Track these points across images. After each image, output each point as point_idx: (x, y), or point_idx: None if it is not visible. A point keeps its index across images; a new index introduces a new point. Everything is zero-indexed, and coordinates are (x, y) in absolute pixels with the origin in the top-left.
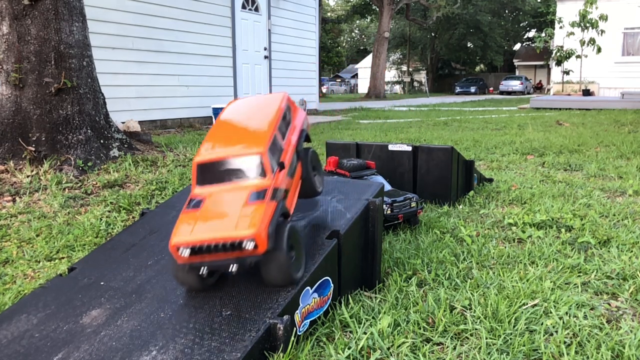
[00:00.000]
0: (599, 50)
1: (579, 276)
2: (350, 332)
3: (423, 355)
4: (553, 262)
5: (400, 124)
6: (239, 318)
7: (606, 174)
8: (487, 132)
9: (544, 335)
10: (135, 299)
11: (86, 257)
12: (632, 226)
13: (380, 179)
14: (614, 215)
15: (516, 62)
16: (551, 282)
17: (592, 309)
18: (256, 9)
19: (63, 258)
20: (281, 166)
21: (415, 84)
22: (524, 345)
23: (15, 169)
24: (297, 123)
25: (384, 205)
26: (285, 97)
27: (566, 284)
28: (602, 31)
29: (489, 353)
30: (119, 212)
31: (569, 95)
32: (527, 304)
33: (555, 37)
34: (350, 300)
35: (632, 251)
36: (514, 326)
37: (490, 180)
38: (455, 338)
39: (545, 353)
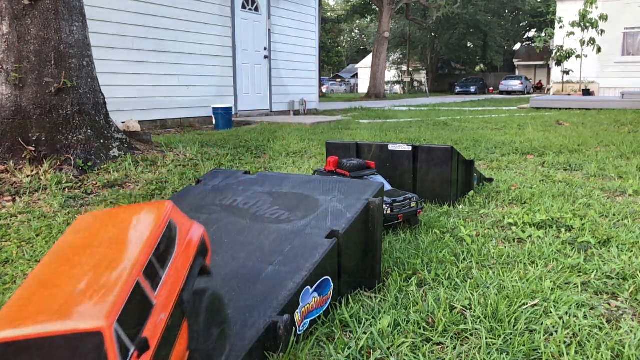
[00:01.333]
0: (599, 50)
1: (578, 276)
2: (350, 331)
3: (423, 355)
4: (553, 262)
5: (400, 124)
6: (239, 318)
7: (606, 174)
8: (487, 132)
9: (544, 335)
10: None
11: None
12: (632, 226)
13: (380, 178)
14: (614, 215)
15: (516, 62)
16: (551, 282)
17: (592, 308)
18: (256, 9)
19: None
20: (142, 348)
21: (415, 83)
22: (524, 345)
23: (15, 169)
24: (184, 251)
25: (384, 205)
26: (166, 216)
27: (566, 283)
28: (602, 31)
29: (489, 353)
30: None
31: (569, 95)
32: (527, 303)
33: (555, 37)
34: (350, 300)
35: (632, 251)
36: (514, 326)
37: (490, 180)
38: (455, 338)
39: (545, 353)
